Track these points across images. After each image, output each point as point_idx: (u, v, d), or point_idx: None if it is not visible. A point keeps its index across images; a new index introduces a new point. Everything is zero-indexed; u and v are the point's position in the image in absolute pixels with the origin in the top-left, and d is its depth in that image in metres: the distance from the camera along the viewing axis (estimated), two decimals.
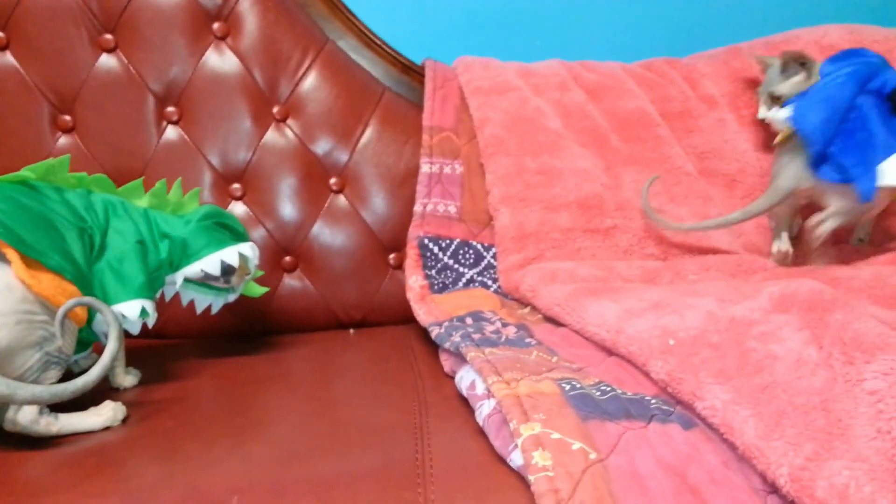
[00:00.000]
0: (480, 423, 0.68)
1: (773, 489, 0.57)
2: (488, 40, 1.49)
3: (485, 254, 1.16)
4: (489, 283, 1.14)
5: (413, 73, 1.33)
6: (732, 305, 0.78)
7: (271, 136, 1.22)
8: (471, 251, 1.16)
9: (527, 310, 1.03)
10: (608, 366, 0.79)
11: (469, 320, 0.92)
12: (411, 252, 1.14)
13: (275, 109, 1.22)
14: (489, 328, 0.88)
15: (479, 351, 0.78)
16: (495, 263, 1.15)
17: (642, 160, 1.22)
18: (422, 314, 1.00)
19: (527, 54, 1.40)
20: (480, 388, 0.71)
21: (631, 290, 0.93)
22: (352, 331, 1.18)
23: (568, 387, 0.68)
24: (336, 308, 1.21)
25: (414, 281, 1.10)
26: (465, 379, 0.76)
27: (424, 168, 1.20)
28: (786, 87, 1.07)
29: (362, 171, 1.23)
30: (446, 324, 0.92)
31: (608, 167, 1.20)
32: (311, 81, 1.24)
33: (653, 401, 0.69)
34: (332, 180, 1.23)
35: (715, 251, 1.12)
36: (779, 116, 1.06)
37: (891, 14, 1.55)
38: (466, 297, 1.05)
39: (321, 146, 1.23)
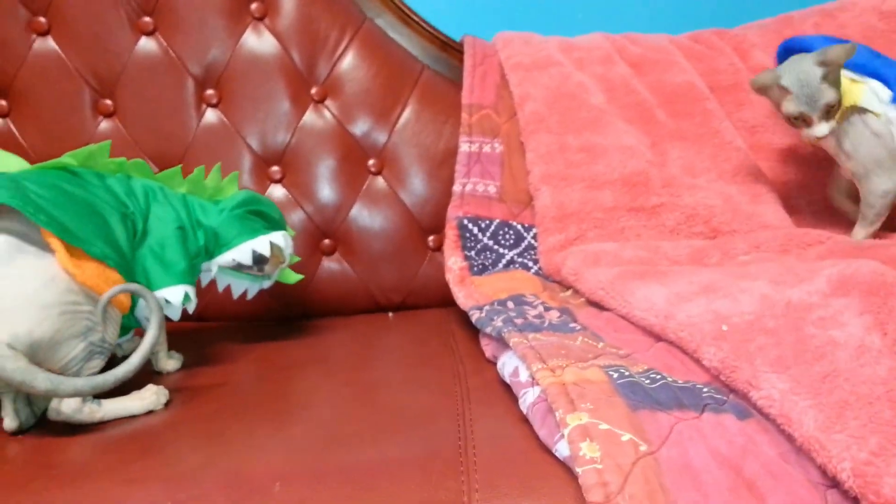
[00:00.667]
0: (525, 412, 0.66)
1: (834, 483, 0.54)
2: (529, 15, 1.44)
3: (525, 234, 1.14)
4: (530, 264, 1.11)
5: (452, 50, 1.30)
6: (788, 288, 0.75)
7: (310, 117, 1.21)
8: (511, 232, 1.13)
9: (569, 293, 1.00)
10: (657, 352, 0.76)
11: (511, 304, 0.90)
12: (450, 233, 1.12)
13: (313, 90, 1.21)
14: (532, 312, 0.86)
15: (523, 336, 0.76)
16: (536, 244, 1.12)
17: (690, 136, 1.17)
18: (461, 297, 0.98)
19: (569, 28, 1.36)
20: (524, 376, 0.69)
21: (679, 272, 0.89)
22: (391, 314, 1.17)
23: (616, 374, 0.66)
24: (375, 291, 1.20)
25: (453, 262, 1.08)
26: (508, 365, 0.74)
27: (464, 147, 1.17)
28: (834, 91, 0.94)
29: (401, 151, 1.22)
30: (487, 307, 0.91)
31: (654, 143, 1.16)
32: (348, 61, 1.23)
33: (705, 389, 0.66)
34: (371, 161, 1.21)
35: (765, 227, 1.07)
36: (826, 131, 0.96)
37: None
38: (507, 280, 1.03)
39: (359, 127, 1.21)
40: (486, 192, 1.15)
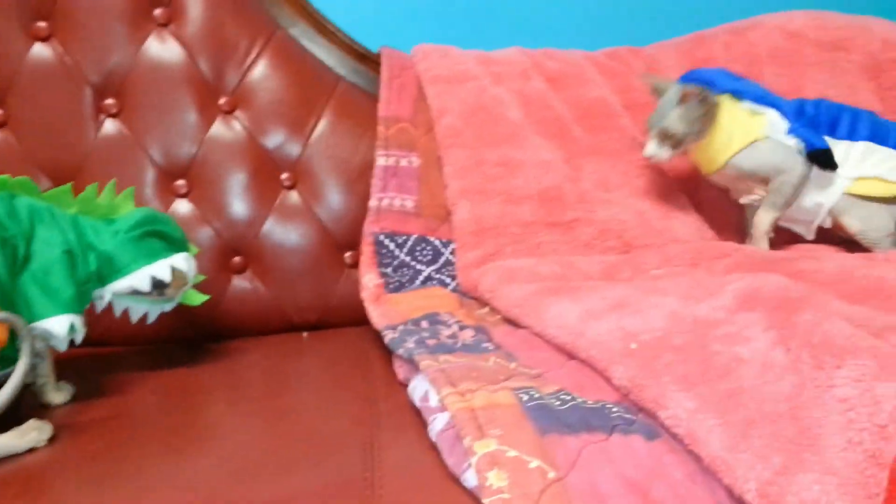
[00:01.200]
0: (433, 439, 0.63)
1: None
2: (449, 28, 1.44)
3: (443, 250, 1.12)
4: (448, 280, 1.10)
5: (370, 61, 1.27)
6: (696, 304, 0.75)
7: (218, 128, 1.16)
8: (428, 247, 1.11)
9: (486, 310, 0.99)
10: (569, 370, 0.75)
11: (425, 323, 0.88)
12: (366, 249, 1.09)
13: (221, 100, 1.16)
14: (445, 332, 0.84)
15: (433, 359, 0.74)
16: (454, 260, 1.10)
17: (604, 151, 1.18)
18: (376, 316, 0.95)
19: (488, 42, 1.35)
20: (434, 400, 0.67)
21: (593, 288, 0.89)
22: (305, 334, 1.13)
23: (526, 397, 0.65)
24: (289, 310, 1.15)
25: (368, 280, 1.05)
26: (419, 389, 0.72)
27: (380, 161, 1.15)
28: (681, 124, 1.01)
29: (316, 165, 1.18)
30: (401, 327, 0.88)
31: (569, 158, 1.16)
32: (260, 71, 1.18)
33: (615, 409, 0.65)
34: (284, 175, 1.17)
35: (676, 241, 1.09)
36: (663, 157, 1.04)
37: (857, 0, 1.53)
38: (423, 297, 1.01)
39: (272, 139, 1.17)
40: (403, 206, 1.13)
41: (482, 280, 1.01)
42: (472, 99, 1.17)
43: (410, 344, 0.80)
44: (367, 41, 1.28)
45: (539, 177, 1.12)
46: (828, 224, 1.07)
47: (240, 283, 1.15)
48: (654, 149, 1.04)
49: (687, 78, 1.10)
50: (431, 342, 0.80)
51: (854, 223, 1.04)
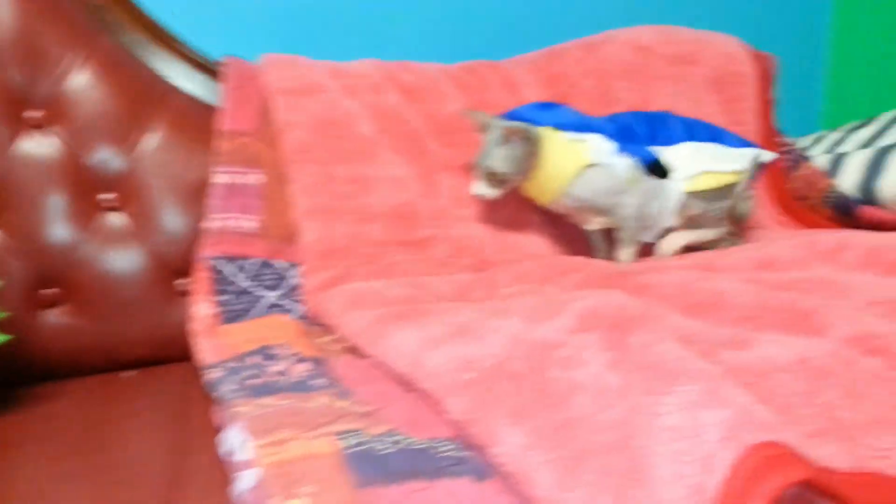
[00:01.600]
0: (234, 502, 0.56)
1: None
2: (301, 37, 1.36)
3: (289, 274, 1.04)
4: (293, 307, 1.02)
5: (212, 72, 1.18)
6: (539, 325, 0.72)
7: (28, 144, 1.03)
8: (273, 271, 1.03)
9: (330, 338, 0.92)
10: (406, 404, 0.70)
11: (254, 359, 0.80)
12: (200, 276, 0.99)
13: (28, 113, 1.03)
14: (274, 368, 0.76)
15: (251, 403, 0.66)
16: (301, 284, 1.03)
17: (461, 166, 1.14)
18: (203, 351, 0.86)
19: (342, 53, 1.29)
20: (243, 454, 0.59)
21: (441, 311, 0.84)
22: (125, 374, 1.01)
23: (347, 443, 0.58)
24: (117, 346, 1.03)
25: (201, 309, 0.96)
26: (229, 440, 0.64)
27: (219, 178, 1.06)
28: (506, 164, 1.01)
29: (146, 183, 1.07)
30: (228, 364, 0.80)
31: (424, 174, 1.12)
32: (81, 81, 1.06)
33: (447, 447, 0.60)
34: (108, 195, 1.06)
35: (530, 257, 1.07)
36: (490, 195, 1.03)
37: (703, 16, 1.58)
38: (260, 328, 0.92)
39: (94, 156, 1.05)
40: (243, 227, 1.04)
41: (328, 305, 0.94)
42: (322, 112, 1.10)
43: (229, 385, 0.72)
44: (212, 50, 1.19)
45: (392, 194, 1.07)
46: (674, 224, 1.08)
47: (55, 317, 1.02)
48: (481, 188, 1.04)
49: (509, 118, 1.09)
50: (254, 382, 0.72)
51: (696, 212, 1.07)
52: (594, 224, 1.08)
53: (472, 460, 0.58)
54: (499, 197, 1.04)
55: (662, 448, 0.50)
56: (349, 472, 0.54)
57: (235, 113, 1.11)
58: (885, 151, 1.10)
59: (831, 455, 0.51)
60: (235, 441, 0.63)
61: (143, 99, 1.09)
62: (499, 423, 0.58)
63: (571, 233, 1.14)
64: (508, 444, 0.56)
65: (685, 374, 0.54)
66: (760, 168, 1.12)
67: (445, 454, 0.58)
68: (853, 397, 0.56)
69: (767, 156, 1.09)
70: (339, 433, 0.60)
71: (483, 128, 1.05)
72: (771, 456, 0.45)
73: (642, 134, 1.06)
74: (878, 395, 0.56)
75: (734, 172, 1.07)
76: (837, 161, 1.19)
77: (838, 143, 1.27)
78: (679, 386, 0.53)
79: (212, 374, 0.78)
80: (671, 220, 1.08)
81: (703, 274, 0.88)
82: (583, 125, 1.05)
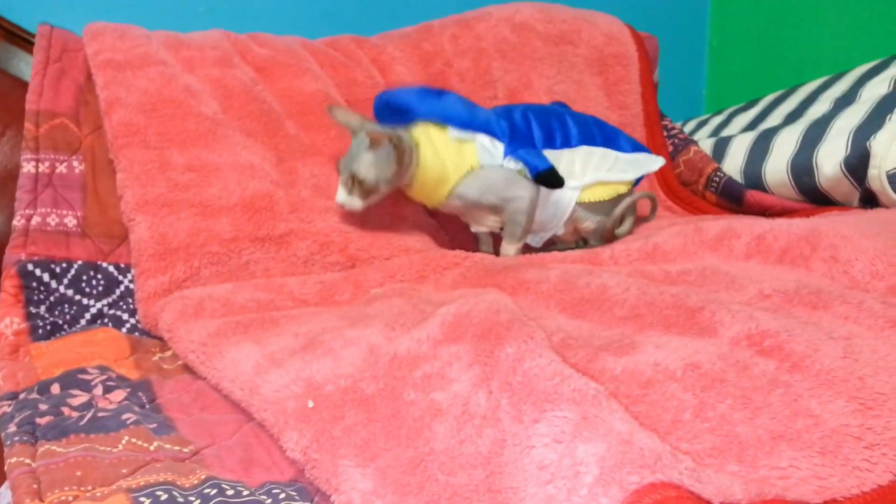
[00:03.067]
0: None
1: None
2: (140, 5, 1.19)
3: (121, 278, 0.88)
4: (125, 317, 0.87)
5: (23, 41, 1.00)
6: (401, 335, 0.62)
7: None
8: (100, 276, 0.87)
9: (168, 353, 0.78)
10: (241, 439, 0.57)
11: (55, 387, 0.65)
12: (8, 283, 0.82)
13: None
14: (77, 400, 0.62)
15: (30, 450, 0.52)
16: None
17: (324, 151, 1.02)
18: (0, 378, 0.70)
19: (186, 23, 1.13)
20: None
21: (293, 319, 0.73)
22: None
23: (148, 501, 0.45)
24: None
25: (7, 325, 0.79)
26: (3, 498, 0.49)
27: (28, 167, 0.88)
28: (373, 171, 0.88)
29: None
30: (23, 395, 0.64)
31: (281, 160, 0.98)
32: None
33: (282, 494, 0.49)
34: None
35: (406, 251, 0.96)
36: (356, 205, 0.89)
37: None
38: (80, 345, 0.77)
39: None
40: (61, 225, 0.88)
41: (162, 315, 0.80)
42: (155, 89, 0.94)
43: (14, 425, 0.57)
44: (24, 17, 1.00)
45: (242, 183, 0.93)
46: (561, 231, 1.00)
47: None
48: (344, 196, 0.90)
49: (381, 101, 0.95)
50: (45, 420, 0.57)
51: (589, 225, 0.98)
52: (484, 224, 0.98)
53: None
54: (362, 209, 0.90)
55: (534, 490, 0.41)
56: None
57: (48, 90, 0.93)
58: (768, 134, 1.07)
59: (730, 479, 0.43)
60: (8, 501, 0.48)
61: None
62: (342, 463, 0.47)
63: (452, 223, 1.05)
64: (352, 490, 0.45)
65: (559, 396, 0.45)
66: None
67: (282, 502, 0.47)
68: (748, 408, 0.50)
69: (658, 163, 1.01)
70: (138, 489, 0.47)
71: (349, 128, 0.92)
72: (657, 501, 0.36)
73: (536, 136, 0.95)
74: (775, 404, 0.49)
75: (626, 182, 1.00)
76: (721, 144, 1.15)
77: (722, 126, 1.24)
78: (552, 411, 0.44)
79: (0, 409, 0.62)
80: (561, 229, 0.99)
81: (587, 268, 0.80)
82: (471, 121, 0.93)
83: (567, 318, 0.70)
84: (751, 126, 1.17)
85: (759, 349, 0.57)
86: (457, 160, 0.92)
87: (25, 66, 1.01)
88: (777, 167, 1.04)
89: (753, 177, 1.08)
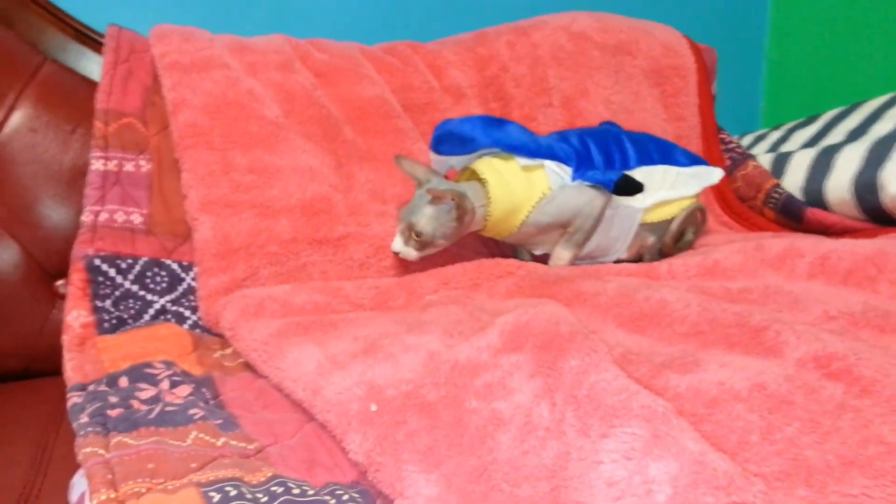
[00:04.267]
0: None
1: None
2: (198, 7, 1.22)
3: (184, 275, 0.91)
4: (187, 313, 0.89)
5: (93, 41, 1.03)
6: (460, 343, 0.62)
7: None
8: (163, 273, 0.90)
9: (229, 350, 0.80)
10: (303, 439, 0.58)
11: (123, 381, 0.67)
12: (76, 277, 0.85)
13: None
14: (146, 394, 0.64)
15: (103, 441, 0.54)
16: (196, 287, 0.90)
17: (380, 156, 1.03)
18: (69, 368, 0.72)
19: (245, 27, 1.16)
20: None
21: (351, 323, 0.74)
22: None
23: (218, 496, 0.47)
24: None
25: (74, 318, 0.82)
26: (77, 488, 0.51)
27: (97, 165, 0.91)
28: (432, 226, 0.87)
29: (10, 169, 0.92)
30: (92, 386, 0.66)
31: (340, 165, 1.00)
32: None
33: (346, 495, 0.50)
34: None
35: (460, 258, 0.96)
36: (411, 256, 0.89)
37: (636, 5, 1.52)
38: (144, 340, 0.79)
39: None
40: (128, 222, 0.90)
41: (224, 313, 0.82)
42: (219, 91, 0.97)
43: (86, 416, 0.59)
44: (98, 19, 1.04)
45: (302, 185, 0.95)
46: (625, 255, 0.99)
47: None
48: (400, 245, 0.89)
49: (443, 130, 0.95)
50: (116, 412, 0.59)
51: (651, 243, 0.98)
52: (549, 244, 0.97)
53: None
54: (418, 259, 0.90)
55: None
56: None
57: (117, 90, 0.96)
58: (830, 151, 1.05)
59: None
60: (78, 491, 0.50)
61: (3, 69, 0.94)
62: (406, 468, 0.48)
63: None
64: (416, 496, 0.46)
65: (627, 412, 0.45)
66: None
67: None
68: (817, 432, 0.49)
69: (718, 175, 1.00)
70: (207, 484, 0.48)
71: (415, 180, 0.92)
72: None
73: (597, 161, 0.94)
74: (844, 429, 0.49)
75: (688, 197, 0.98)
76: (781, 160, 1.13)
77: (781, 141, 1.22)
78: (621, 427, 0.44)
79: (71, 399, 0.65)
80: (624, 253, 0.99)
81: (645, 281, 0.80)
82: (537, 149, 0.92)
83: (626, 332, 0.69)
84: (811, 142, 1.15)
85: (826, 372, 0.56)
86: (527, 188, 0.91)
87: (94, 66, 1.04)
88: (839, 185, 1.02)
89: (814, 194, 1.06)
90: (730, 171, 1.20)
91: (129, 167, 0.93)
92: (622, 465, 0.41)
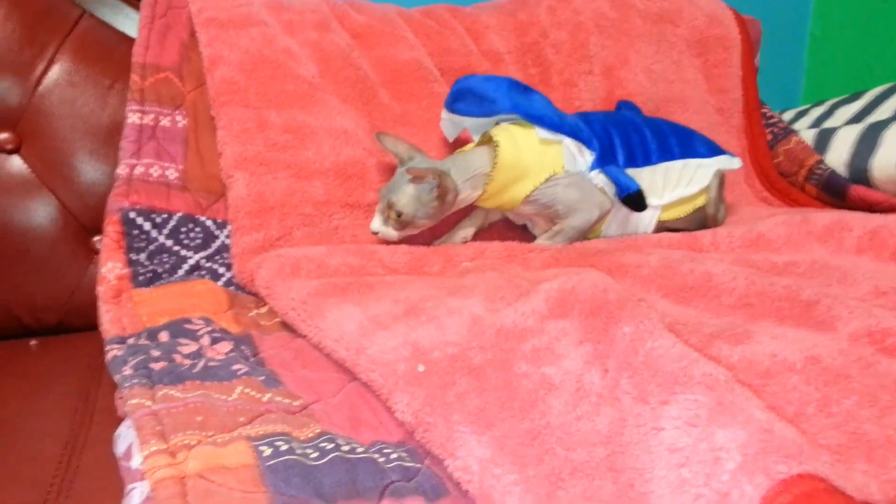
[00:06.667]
0: None
1: None
2: None
3: (217, 232, 0.90)
4: (221, 270, 0.88)
5: None
6: (504, 307, 0.61)
7: None
8: (198, 229, 0.89)
9: (264, 309, 0.80)
10: (346, 398, 0.58)
11: (164, 335, 0.67)
12: (111, 229, 0.84)
13: None
14: (187, 349, 0.63)
15: (149, 393, 0.54)
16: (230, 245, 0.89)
17: (415, 121, 1.02)
18: (106, 321, 0.72)
19: None
20: (136, 460, 0.47)
21: (389, 286, 0.73)
22: (33, 342, 0.88)
23: (269, 451, 0.46)
24: (19, 310, 0.89)
25: (109, 269, 0.81)
26: (124, 439, 0.51)
27: (133, 118, 0.90)
28: (411, 205, 0.84)
29: (48, 122, 0.91)
30: (131, 340, 0.66)
31: (374, 128, 0.99)
32: None
33: (395, 454, 0.49)
34: (2, 136, 0.90)
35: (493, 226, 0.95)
36: (391, 236, 0.86)
37: None
38: (179, 295, 0.79)
39: None
40: (163, 176, 0.90)
41: (259, 272, 0.81)
42: (256, 49, 0.95)
43: (129, 369, 0.59)
44: None
45: (336, 148, 0.94)
46: None
47: None
48: (378, 224, 0.87)
49: (463, 86, 0.92)
50: (159, 365, 0.59)
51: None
52: (537, 230, 0.94)
53: (425, 472, 0.47)
54: (398, 238, 0.87)
55: (664, 473, 0.40)
56: (269, 489, 0.43)
57: (154, 44, 0.95)
58: (877, 128, 1.02)
59: (864, 477, 0.42)
60: (125, 443, 0.50)
61: (41, 21, 0.93)
62: (457, 429, 0.47)
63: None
64: (469, 456, 0.45)
65: (689, 379, 0.44)
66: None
67: (392, 465, 0.47)
68: (876, 407, 0.48)
69: (735, 165, 0.97)
70: (258, 438, 0.48)
71: (397, 157, 0.89)
72: (806, 493, 0.35)
73: (619, 154, 0.90)
74: None
75: (703, 191, 0.95)
76: (824, 136, 1.11)
77: (824, 117, 1.19)
78: (683, 394, 0.43)
79: (110, 352, 0.65)
80: None
81: (688, 254, 0.78)
82: (561, 124, 0.88)
83: (670, 303, 0.68)
84: (856, 119, 1.12)
85: (880, 347, 0.56)
86: (539, 161, 0.88)
87: (130, 22, 1.03)
88: (886, 162, 0.99)
89: (858, 171, 1.03)
90: (771, 146, 1.18)
91: (165, 122, 0.92)
92: (685, 432, 0.41)
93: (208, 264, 0.89)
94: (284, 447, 0.47)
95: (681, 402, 0.42)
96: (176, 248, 0.88)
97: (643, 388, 0.46)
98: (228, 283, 0.88)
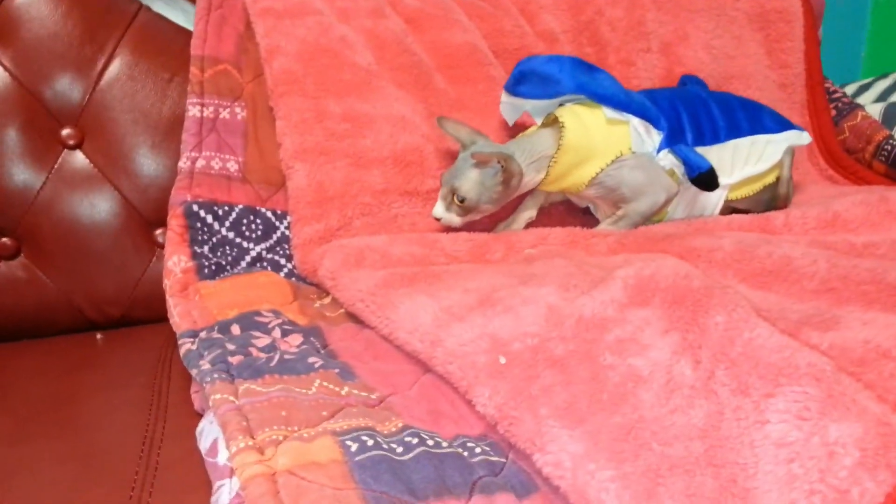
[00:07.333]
0: None
1: None
2: None
3: (278, 224, 0.91)
4: (283, 262, 0.89)
5: None
6: (580, 296, 0.60)
7: None
8: (258, 221, 0.90)
9: (327, 300, 0.80)
10: (422, 390, 0.58)
11: (236, 328, 0.67)
12: (174, 223, 0.85)
13: None
14: (261, 342, 0.64)
15: (231, 387, 0.54)
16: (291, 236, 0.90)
17: (471, 105, 1.00)
18: (176, 315, 0.73)
19: None
20: (224, 456, 0.47)
21: (456, 275, 0.72)
22: (99, 336, 0.89)
23: (356, 446, 0.46)
24: (83, 304, 0.91)
25: (175, 263, 0.82)
26: (207, 434, 0.51)
27: (193, 111, 0.91)
28: (475, 190, 0.82)
29: (109, 117, 0.92)
30: (204, 333, 0.67)
31: (431, 114, 0.97)
32: None
33: (478, 448, 0.49)
34: (66, 131, 0.91)
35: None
36: (454, 222, 0.84)
37: None
38: (245, 287, 0.79)
39: (47, 84, 0.90)
40: (224, 169, 0.90)
41: (322, 263, 0.81)
42: (312, 38, 0.95)
43: (207, 362, 0.59)
44: None
45: (394, 136, 0.93)
46: None
47: (10, 270, 0.89)
48: (441, 211, 0.84)
49: (526, 67, 0.89)
50: (236, 358, 0.59)
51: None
52: (600, 214, 0.92)
53: (511, 466, 0.47)
54: (461, 225, 0.86)
55: (771, 468, 0.39)
56: (359, 486, 0.43)
57: (211, 36, 0.95)
58: None
59: None
60: (210, 438, 0.50)
61: (102, 16, 0.93)
62: (545, 423, 0.46)
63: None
64: (560, 451, 0.44)
65: (794, 371, 0.42)
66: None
67: (478, 460, 0.47)
68: None
69: (804, 141, 0.94)
70: (343, 432, 0.48)
71: (459, 142, 0.87)
72: None
73: (687, 132, 0.87)
74: None
75: (772, 168, 0.91)
76: (893, 111, 1.06)
77: (890, 91, 1.14)
78: (789, 386, 0.41)
79: (184, 346, 0.65)
80: None
81: (763, 236, 0.76)
82: (628, 103, 0.86)
83: (750, 288, 0.66)
84: None
85: None
86: (606, 142, 0.85)
87: (185, 15, 1.03)
88: None
89: None
90: (836, 122, 1.13)
91: (224, 114, 0.92)
92: (795, 426, 0.39)
93: (269, 255, 0.89)
94: (370, 442, 0.46)
95: (787, 394, 0.41)
96: (238, 240, 0.88)
97: (743, 380, 0.44)
98: (290, 275, 0.88)
